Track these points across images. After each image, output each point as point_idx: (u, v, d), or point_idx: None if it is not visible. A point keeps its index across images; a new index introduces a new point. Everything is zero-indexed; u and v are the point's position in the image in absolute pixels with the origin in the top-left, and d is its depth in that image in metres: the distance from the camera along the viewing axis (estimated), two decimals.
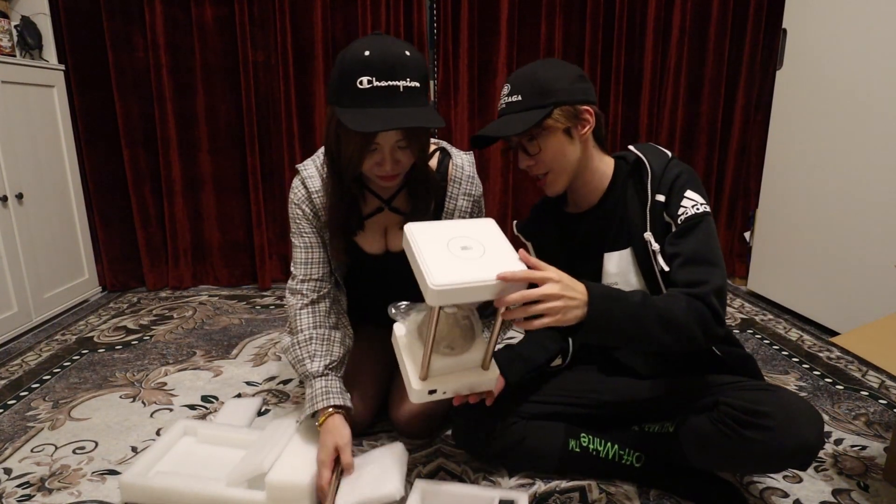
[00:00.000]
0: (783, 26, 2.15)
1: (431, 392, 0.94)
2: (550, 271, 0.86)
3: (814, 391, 1.54)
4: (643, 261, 1.06)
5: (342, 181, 1.15)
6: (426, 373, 0.94)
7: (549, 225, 1.20)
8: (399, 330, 1.00)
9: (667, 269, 1.01)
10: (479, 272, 0.83)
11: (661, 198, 1.04)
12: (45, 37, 2.12)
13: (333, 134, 1.06)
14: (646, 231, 1.04)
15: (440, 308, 0.86)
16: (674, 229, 1.02)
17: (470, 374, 0.97)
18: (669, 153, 1.09)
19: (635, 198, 1.08)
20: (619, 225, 1.09)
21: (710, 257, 0.98)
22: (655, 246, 1.03)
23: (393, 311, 0.99)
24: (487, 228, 0.95)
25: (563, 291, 0.85)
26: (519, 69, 1.08)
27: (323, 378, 1.16)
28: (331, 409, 1.11)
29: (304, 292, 1.23)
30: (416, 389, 0.93)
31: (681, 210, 1.01)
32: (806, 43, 2.05)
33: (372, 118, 0.96)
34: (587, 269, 1.12)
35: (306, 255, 1.24)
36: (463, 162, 1.24)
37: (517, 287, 0.84)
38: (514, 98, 1.04)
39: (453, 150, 1.26)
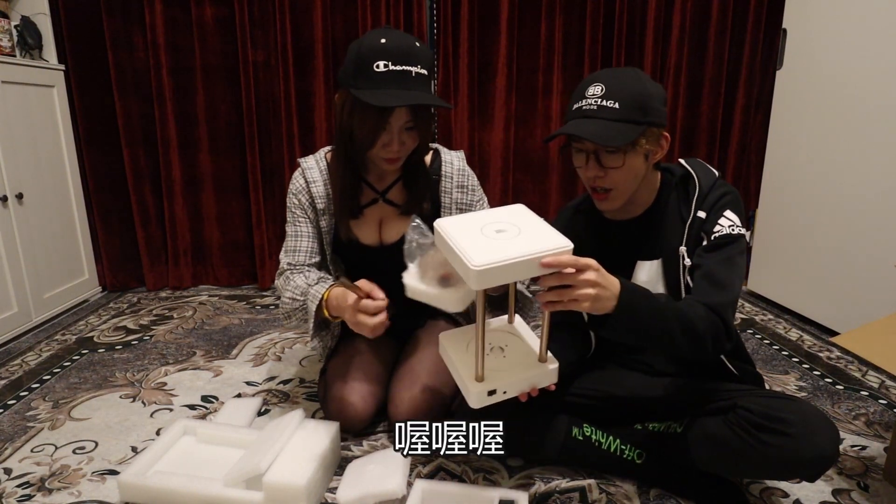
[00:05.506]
0: (783, 26, 2.14)
1: (491, 393, 0.89)
2: (591, 260, 0.87)
3: (814, 391, 1.54)
4: (670, 273, 1.08)
5: (352, 163, 1.23)
6: (482, 373, 0.89)
7: (584, 229, 1.17)
8: (410, 279, 0.97)
9: (692, 284, 1.02)
10: (520, 249, 0.82)
11: (702, 214, 1.05)
12: (45, 37, 2.12)
13: (348, 114, 1.13)
14: (681, 245, 1.05)
15: (485, 295, 0.84)
16: (705, 244, 1.03)
17: (528, 369, 0.93)
18: (717, 172, 1.10)
19: (677, 212, 1.09)
20: (656, 236, 1.10)
21: (730, 275, 0.99)
22: (688, 261, 1.04)
23: (412, 236, 0.97)
24: (520, 212, 0.92)
25: (600, 280, 0.86)
26: (609, 71, 1.03)
27: (314, 285, 1.20)
28: (327, 292, 1.16)
29: (291, 272, 1.29)
30: (475, 392, 0.88)
31: (717, 228, 1.03)
32: (806, 43, 2.05)
33: (388, 96, 1.06)
34: (617, 274, 1.12)
35: (295, 242, 1.30)
36: (452, 158, 1.32)
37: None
38: (611, 104, 0.97)
39: (444, 150, 1.34)
